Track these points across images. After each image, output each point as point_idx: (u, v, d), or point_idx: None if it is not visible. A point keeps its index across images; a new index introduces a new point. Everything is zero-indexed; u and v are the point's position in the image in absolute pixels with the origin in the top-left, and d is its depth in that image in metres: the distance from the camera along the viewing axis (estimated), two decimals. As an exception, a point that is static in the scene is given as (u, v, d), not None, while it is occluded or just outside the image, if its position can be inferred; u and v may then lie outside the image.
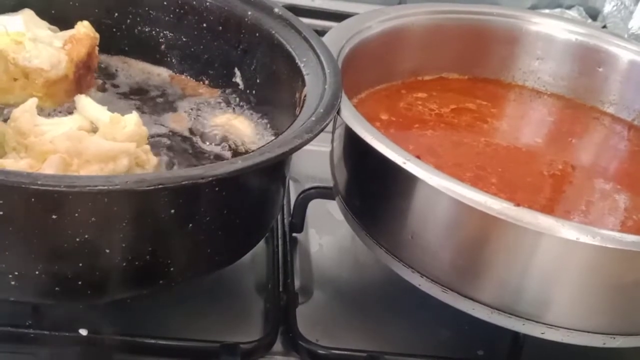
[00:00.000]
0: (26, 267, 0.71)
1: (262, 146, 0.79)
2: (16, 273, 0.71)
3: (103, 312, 0.81)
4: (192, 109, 1.00)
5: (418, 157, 0.81)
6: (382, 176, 0.85)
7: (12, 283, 0.71)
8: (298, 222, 1.03)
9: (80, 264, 0.72)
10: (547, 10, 1.58)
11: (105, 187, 0.66)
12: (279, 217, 1.02)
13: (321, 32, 1.00)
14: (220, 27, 1.02)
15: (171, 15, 1.04)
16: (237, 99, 1.01)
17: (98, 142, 0.80)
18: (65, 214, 0.69)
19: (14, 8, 0.99)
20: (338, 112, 0.85)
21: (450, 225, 0.82)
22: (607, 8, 1.60)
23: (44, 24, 0.99)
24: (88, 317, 0.81)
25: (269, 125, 0.97)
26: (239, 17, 1.00)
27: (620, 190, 0.97)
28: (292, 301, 0.92)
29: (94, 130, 0.86)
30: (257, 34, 0.99)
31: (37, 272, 0.71)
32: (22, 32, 0.93)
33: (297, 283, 0.96)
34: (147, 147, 0.85)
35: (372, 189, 0.88)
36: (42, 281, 0.72)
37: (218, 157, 0.93)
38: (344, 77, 0.90)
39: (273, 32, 0.97)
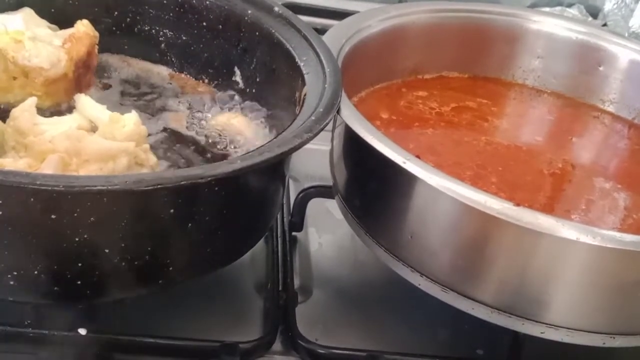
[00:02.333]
0: (25, 267, 0.71)
1: (262, 146, 0.79)
2: (15, 273, 0.71)
3: (102, 312, 0.81)
4: (191, 108, 1.00)
5: (418, 156, 0.81)
6: (381, 175, 0.85)
7: (11, 283, 0.71)
8: (298, 221, 1.03)
9: (80, 264, 0.71)
10: (547, 9, 1.58)
11: (105, 187, 0.66)
12: (279, 216, 1.02)
13: (321, 31, 1.00)
14: (220, 26, 1.02)
15: (171, 14, 1.04)
16: (237, 98, 1.01)
17: (97, 141, 0.80)
18: (64, 214, 0.69)
19: (14, 7, 0.99)
20: (338, 112, 0.84)
21: (450, 224, 0.81)
22: (608, 6, 1.60)
23: (44, 22, 0.99)
24: (87, 316, 0.81)
25: (268, 125, 0.97)
26: (238, 16, 1.00)
27: (620, 189, 0.97)
28: (291, 300, 0.92)
29: (94, 129, 0.86)
30: (257, 33, 0.99)
31: (36, 272, 0.71)
32: (21, 30, 0.93)
33: (296, 282, 0.96)
34: (147, 146, 0.85)
35: (372, 188, 0.88)
36: (41, 281, 0.72)
37: (217, 157, 0.93)
38: (344, 76, 0.90)
39: (273, 30, 0.97)
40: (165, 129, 0.95)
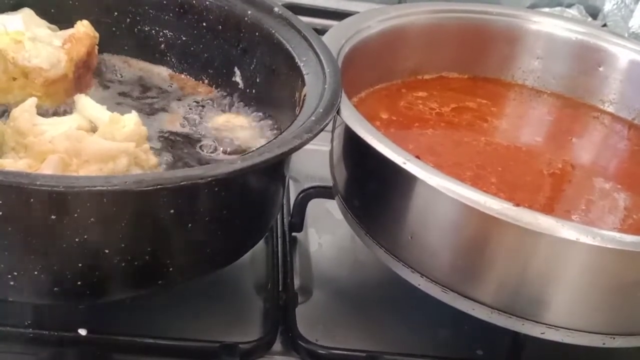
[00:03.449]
0: (25, 268, 0.71)
1: (262, 146, 0.79)
2: (15, 273, 0.71)
3: (102, 312, 0.81)
4: (191, 109, 1.00)
5: (418, 156, 0.81)
6: (381, 176, 0.85)
7: (11, 283, 0.71)
8: (298, 221, 1.03)
9: (80, 265, 0.72)
10: (547, 9, 1.58)
11: (105, 188, 0.66)
12: (279, 216, 1.02)
13: (321, 31, 1.00)
14: (220, 27, 1.02)
15: (171, 15, 1.04)
16: (237, 99, 1.01)
17: (97, 141, 0.80)
18: (64, 215, 0.69)
19: (14, 7, 0.99)
20: (338, 112, 0.84)
21: (450, 225, 0.81)
22: (608, 6, 1.60)
23: (44, 23, 0.99)
24: (87, 317, 0.81)
25: (268, 125, 0.97)
26: (238, 16, 1.00)
27: (620, 189, 0.97)
28: (291, 301, 0.92)
29: (94, 129, 0.86)
30: (257, 33, 0.99)
31: (36, 273, 0.71)
32: (21, 31, 0.94)
33: (296, 283, 0.96)
34: (147, 146, 0.85)
35: (372, 188, 0.88)
36: (41, 281, 0.72)
37: (217, 157, 0.93)
38: (344, 77, 0.90)
39: (273, 31, 0.97)
40: (165, 130, 0.95)
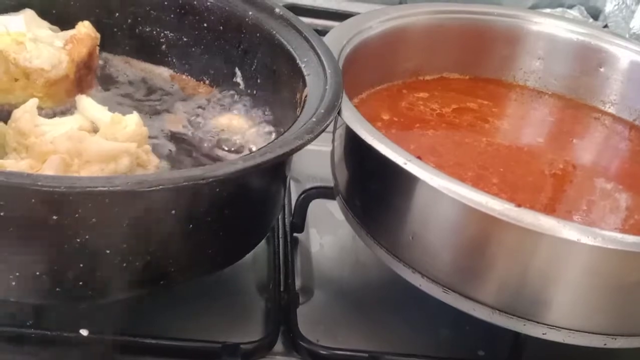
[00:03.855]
0: (27, 268, 0.71)
1: (263, 147, 0.79)
2: (17, 274, 0.71)
3: (104, 313, 0.81)
4: (192, 109, 1.00)
5: (419, 157, 0.81)
6: (382, 176, 0.85)
7: (13, 284, 0.71)
8: (299, 222, 1.03)
9: (81, 265, 0.71)
10: (548, 10, 1.58)
11: (106, 188, 0.66)
12: (280, 217, 1.02)
13: (322, 32, 1.00)
14: (221, 27, 1.02)
15: (172, 15, 1.04)
16: (238, 99, 1.01)
17: (99, 142, 0.80)
18: (65, 215, 0.69)
19: (15, 8, 0.99)
20: (339, 113, 0.85)
21: (451, 226, 0.81)
22: (609, 7, 1.60)
23: (45, 24, 0.99)
24: (89, 317, 0.81)
25: (269, 126, 0.97)
26: (239, 17, 1.00)
27: (621, 189, 0.97)
28: (293, 301, 0.92)
29: (95, 130, 0.86)
30: (258, 34, 0.99)
31: (37, 273, 0.71)
32: (23, 32, 0.94)
33: (298, 283, 0.96)
34: (148, 147, 0.85)
35: (373, 189, 0.88)
36: (42, 282, 0.72)
37: (218, 158, 0.93)
38: (345, 77, 0.90)
39: (274, 32, 0.97)
40: (166, 130, 0.95)
